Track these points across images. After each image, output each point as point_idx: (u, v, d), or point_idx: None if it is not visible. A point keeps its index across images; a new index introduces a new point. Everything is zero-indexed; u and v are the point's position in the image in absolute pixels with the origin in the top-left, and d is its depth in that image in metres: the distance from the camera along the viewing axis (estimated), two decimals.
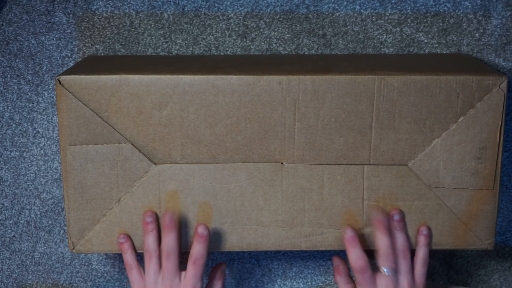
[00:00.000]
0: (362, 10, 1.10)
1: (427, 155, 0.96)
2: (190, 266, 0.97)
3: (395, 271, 0.96)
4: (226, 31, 1.11)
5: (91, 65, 1.01)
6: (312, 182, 0.97)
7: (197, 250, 0.97)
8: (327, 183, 0.97)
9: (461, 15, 1.10)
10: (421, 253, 0.98)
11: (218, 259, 1.19)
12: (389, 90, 0.93)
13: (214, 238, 0.99)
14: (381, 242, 0.96)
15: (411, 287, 0.97)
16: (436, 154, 0.95)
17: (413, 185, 0.97)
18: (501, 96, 0.94)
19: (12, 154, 1.15)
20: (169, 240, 0.96)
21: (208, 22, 1.10)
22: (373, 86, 0.93)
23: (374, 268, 0.97)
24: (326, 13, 1.10)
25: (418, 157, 0.96)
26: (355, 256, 0.96)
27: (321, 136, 0.95)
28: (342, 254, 1.18)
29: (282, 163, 0.96)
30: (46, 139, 1.14)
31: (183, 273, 0.97)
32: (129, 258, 0.99)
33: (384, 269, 0.96)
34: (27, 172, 1.15)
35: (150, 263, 0.97)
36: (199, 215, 0.98)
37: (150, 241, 0.97)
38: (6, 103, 1.13)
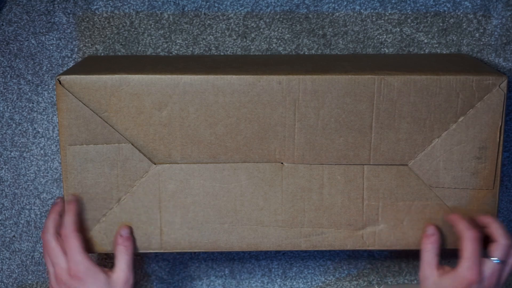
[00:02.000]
0: (362, 10, 1.10)
1: (427, 155, 0.96)
2: (62, 239, 0.96)
3: (504, 264, 0.95)
4: (226, 31, 1.11)
5: (91, 65, 1.01)
6: (312, 182, 0.97)
7: (65, 219, 0.96)
8: (327, 183, 0.97)
9: (461, 15, 1.10)
10: None
11: (218, 259, 1.19)
12: (389, 90, 0.93)
13: (215, 238, 0.99)
14: (499, 230, 0.95)
15: (500, 286, 0.96)
16: (436, 154, 0.95)
17: (413, 185, 0.97)
18: (501, 96, 0.94)
19: (12, 154, 1.15)
20: (47, 222, 0.98)
21: (208, 22, 1.10)
22: (373, 86, 0.93)
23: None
24: (326, 13, 1.10)
25: (418, 157, 0.96)
26: (468, 225, 0.95)
27: (321, 136, 0.95)
28: (342, 254, 1.18)
29: (282, 163, 0.96)
30: (46, 139, 1.14)
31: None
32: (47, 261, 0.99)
33: (496, 258, 0.94)
34: (27, 172, 1.15)
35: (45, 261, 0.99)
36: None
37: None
38: (6, 103, 1.13)
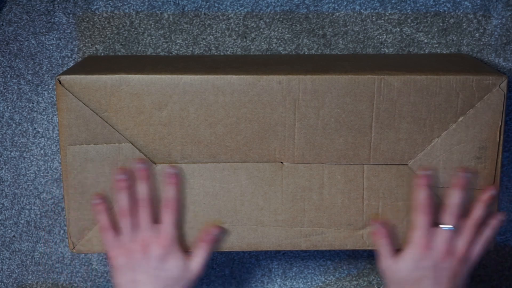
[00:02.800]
0: (362, 10, 1.10)
1: (427, 154, 0.96)
2: (163, 212, 0.96)
3: (455, 233, 0.95)
4: (226, 31, 1.11)
5: (91, 65, 1.01)
6: (312, 182, 0.97)
7: (168, 193, 0.96)
8: (327, 182, 0.97)
9: (461, 15, 1.10)
10: (488, 233, 0.96)
11: (218, 259, 1.19)
12: (389, 90, 0.93)
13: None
14: (456, 197, 0.95)
15: (465, 257, 0.95)
16: (436, 154, 0.95)
17: (413, 185, 0.97)
18: (501, 96, 0.94)
19: (12, 154, 1.15)
20: (142, 189, 0.96)
21: (208, 22, 1.10)
22: (373, 86, 0.93)
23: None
24: (326, 13, 1.10)
25: (418, 156, 0.96)
26: (425, 194, 0.95)
27: (321, 136, 0.95)
28: (342, 254, 1.18)
29: (282, 162, 0.96)
30: (46, 139, 1.14)
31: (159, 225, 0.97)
32: (103, 220, 0.97)
33: (446, 225, 0.94)
34: (27, 172, 1.15)
35: (125, 221, 0.96)
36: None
37: (123, 199, 0.96)
38: (6, 103, 1.13)
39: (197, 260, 0.97)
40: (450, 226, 0.94)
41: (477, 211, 0.96)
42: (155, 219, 0.97)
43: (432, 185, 0.96)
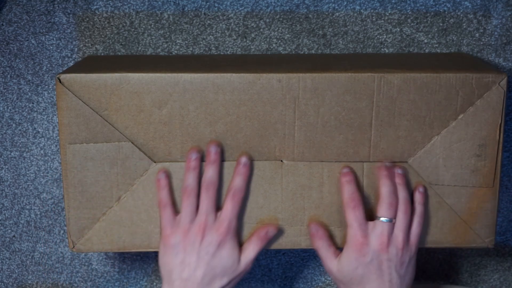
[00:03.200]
0: (362, 10, 1.10)
1: (427, 152, 0.96)
2: (228, 199, 0.95)
3: (392, 223, 0.94)
4: (226, 31, 1.11)
5: (91, 64, 1.01)
6: (312, 180, 0.97)
7: (237, 182, 0.95)
8: (327, 180, 0.97)
9: (461, 15, 1.10)
10: (418, 211, 0.96)
11: None
12: (389, 87, 0.93)
13: None
14: (385, 187, 0.94)
15: (405, 244, 0.94)
16: (435, 151, 0.95)
17: (412, 183, 0.97)
18: (500, 93, 0.94)
19: (12, 154, 1.15)
20: (211, 173, 0.95)
21: (208, 22, 1.11)
22: (373, 84, 0.93)
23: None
24: (326, 13, 1.10)
25: (418, 154, 0.96)
26: (350, 191, 0.95)
27: (321, 134, 0.95)
28: None
29: (282, 160, 0.96)
30: (46, 139, 1.14)
31: (220, 212, 0.95)
32: (164, 195, 0.96)
33: (383, 218, 0.93)
34: (27, 172, 1.15)
35: (188, 201, 0.95)
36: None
37: (191, 179, 0.95)
38: (6, 103, 1.13)
39: (249, 255, 0.96)
40: (386, 218, 0.93)
41: (400, 194, 0.95)
42: (218, 206, 0.96)
43: (356, 180, 0.96)
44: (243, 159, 0.95)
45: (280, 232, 0.98)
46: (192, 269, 0.93)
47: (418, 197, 0.96)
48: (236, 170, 0.95)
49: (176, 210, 0.96)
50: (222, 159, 0.96)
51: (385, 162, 0.96)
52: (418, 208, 0.96)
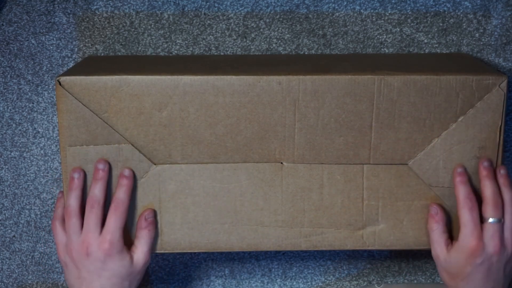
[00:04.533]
0: (362, 10, 1.10)
1: (427, 154, 0.96)
2: (110, 212, 0.95)
3: (502, 223, 0.94)
4: (226, 31, 1.11)
5: (91, 65, 1.01)
6: (312, 182, 0.97)
7: (119, 194, 0.96)
8: (327, 182, 0.97)
9: (461, 15, 1.10)
10: None
11: (218, 258, 1.19)
12: (389, 90, 0.93)
13: (215, 238, 0.99)
14: (489, 188, 0.94)
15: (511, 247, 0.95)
16: (436, 154, 0.95)
17: (413, 185, 0.97)
18: (501, 95, 0.94)
19: (12, 154, 1.15)
20: (96, 190, 0.95)
21: (208, 22, 1.10)
22: (373, 86, 0.93)
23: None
24: (326, 13, 1.10)
25: (418, 156, 0.96)
26: (467, 191, 0.94)
27: (321, 136, 0.95)
28: (342, 254, 1.18)
29: (282, 163, 0.96)
30: (46, 139, 1.14)
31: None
32: (57, 214, 0.99)
33: (492, 218, 0.93)
34: (27, 172, 1.15)
35: (70, 221, 0.96)
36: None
37: (72, 198, 0.96)
38: (6, 103, 1.13)
39: (141, 250, 0.97)
40: (495, 219, 0.93)
41: (505, 195, 0.95)
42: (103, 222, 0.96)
43: (470, 181, 0.96)
44: (126, 171, 0.96)
45: (280, 233, 0.98)
46: (89, 283, 0.96)
47: None
48: (118, 182, 0.96)
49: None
50: (109, 176, 0.96)
51: (485, 161, 0.95)
52: None
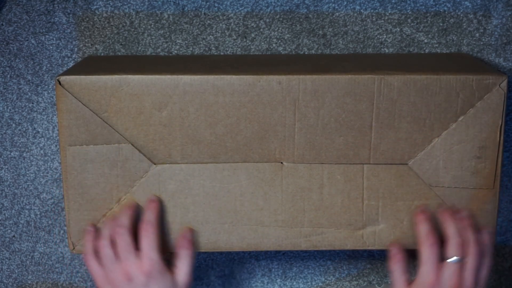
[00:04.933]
0: (362, 10, 1.10)
1: (427, 154, 0.96)
2: (141, 235, 0.95)
3: (462, 263, 0.93)
4: (226, 31, 1.11)
5: (91, 65, 1.01)
6: (312, 182, 0.97)
7: (147, 216, 0.96)
8: (327, 182, 0.97)
9: (461, 15, 1.10)
10: (488, 253, 0.96)
11: (218, 259, 1.19)
12: (389, 89, 0.93)
13: (215, 238, 0.99)
14: (450, 228, 0.94)
15: (474, 286, 0.94)
16: (436, 153, 0.95)
17: (413, 185, 0.97)
18: (501, 95, 0.94)
19: (12, 154, 1.15)
20: (122, 218, 0.96)
21: (208, 22, 1.10)
22: (373, 86, 0.93)
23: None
24: (326, 13, 1.10)
25: (418, 156, 0.96)
26: (428, 229, 0.95)
27: (321, 136, 0.95)
28: (342, 254, 1.18)
29: (282, 162, 0.96)
30: (46, 139, 1.14)
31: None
32: (87, 248, 0.97)
33: (452, 258, 0.93)
34: (27, 172, 1.15)
35: (104, 252, 0.96)
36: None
37: (104, 229, 0.97)
38: (6, 103, 1.13)
39: (182, 270, 0.96)
40: (456, 258, 0.93)
41: (470, 235, 0.95)
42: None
43: (433, 219, 0.96)
44: (152, 197, 0.97)
45: (280, 233, 0.98)
46: None
47: (486, 238, 0.96)
48: (146, 206, 0.97)
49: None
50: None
51: (444, 207, 0.96)
52: (488, 250, 0.95)
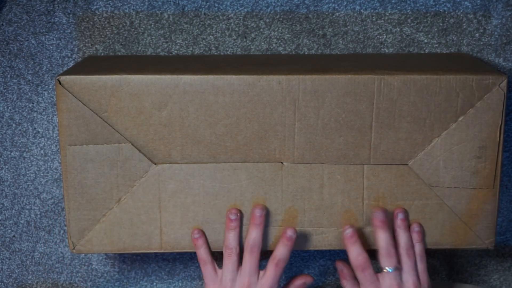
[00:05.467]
0: (362, 10, 1.10)
1: (427, 154, 0.96)
2: (271, 266, 0.97)
3: (399, 269, 0.96)
4: (226, 31, 1.11)
5: (91, 65, 1.01)
6: (312, 182, 0.97)
7: (282, 252, 0.97)
8: (327, 182, 0.97)
9: (461, 15, 1.10)
10: (417, 249, 0.98)
11: (218, 259, 1.18)
12: (389, 89, 0.93)
13: (214, 238, 0.99)
14: (382, 239, 0.96)
15: (417, 285, 0.96)
16: (436, 154, 0.95)
17: (413, 185, 0.97)
18: (501, 95, 0.94)
19: (12, 154, 1.15)
20: (255, 235, 0.97)
21: (208, 22, 1.10)
22: (373, 86, 0.93)
23: (377, 269, 0.97)
24: (326, 13, 1.10)
25: (418, 156, 0.96)
26: (355, 253, 0.96)
27: (321, 136, 0.95)
28: (342, 254, 1.18)
29: (282, 162, 0.96)
30: (46, 139, 1.14)
31: (261, 272, 0.97)
32: (203, 253, 0.99)
33: (387, 268, 0.95)
34: (27, 172, 1.15)
35: (230, 260, 0.97)
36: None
37: (232, 238, 0.97)
38: (6, 103, 1.13)
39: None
40: (391, 268, 0.95)
41: (401, 239, 0.97)
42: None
43: (360, 239, 0.98)
44: (289, 232, 0.97)
45: (280, 233, 0.98)
46: None
47: (415, 236, 0.98)
48: (281, 240, 0.97)
49: (216, 266, 1.00)
50: (266, 222, 0.98)
51: (377, 211, 0.97)
52: (417, 246, 0.98)
